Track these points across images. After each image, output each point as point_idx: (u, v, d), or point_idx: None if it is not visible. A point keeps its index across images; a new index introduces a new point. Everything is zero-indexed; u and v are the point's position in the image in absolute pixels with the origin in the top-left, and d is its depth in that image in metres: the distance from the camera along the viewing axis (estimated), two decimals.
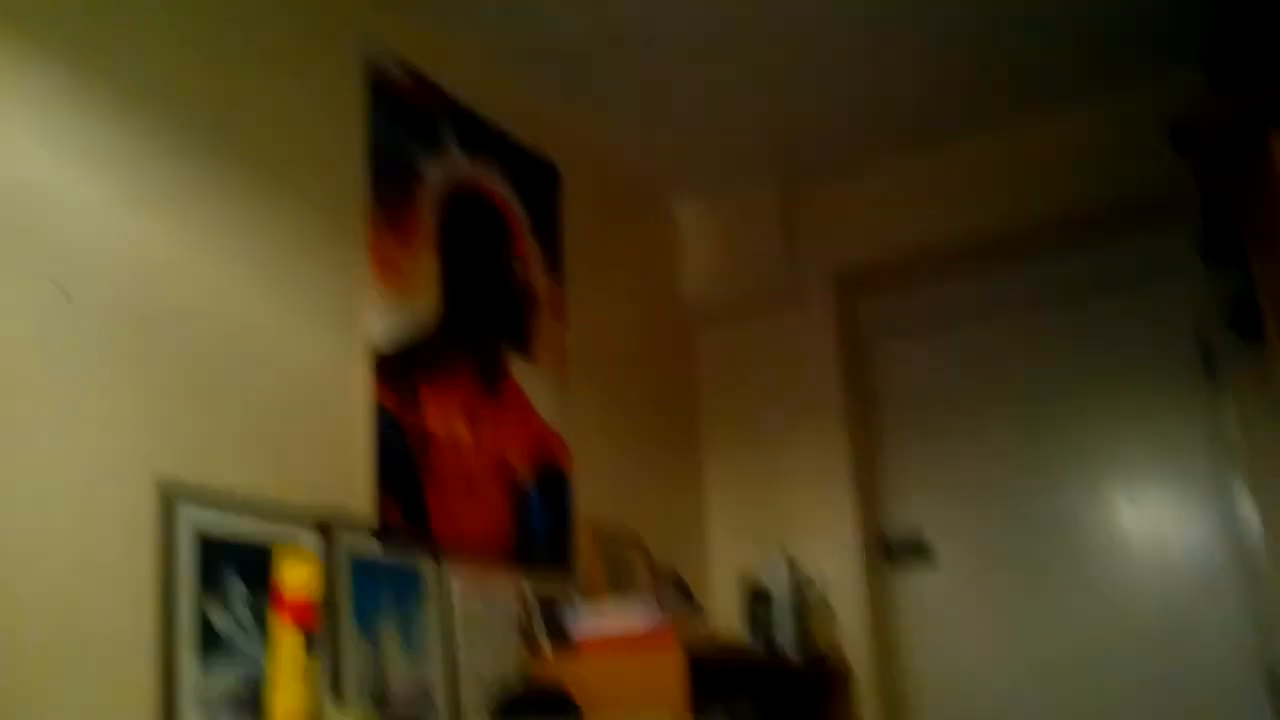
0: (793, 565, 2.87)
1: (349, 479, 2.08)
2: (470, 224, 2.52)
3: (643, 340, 3.18)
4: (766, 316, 3.32)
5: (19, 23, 1.66)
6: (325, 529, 1.97)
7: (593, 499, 2.73)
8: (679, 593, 2.90)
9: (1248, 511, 2.77)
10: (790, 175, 3.30)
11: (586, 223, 2.95)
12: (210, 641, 1.71)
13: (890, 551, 3.20)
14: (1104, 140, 2.92)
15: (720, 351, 3.40)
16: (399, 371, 2.22)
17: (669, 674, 2.21)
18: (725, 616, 3.06)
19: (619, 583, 2.67)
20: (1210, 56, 2.39)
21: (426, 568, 2.18)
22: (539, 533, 2.51)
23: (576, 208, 2.90)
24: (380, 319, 2.20)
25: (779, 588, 2.84)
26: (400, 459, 2.17)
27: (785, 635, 2.80)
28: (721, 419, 3.35)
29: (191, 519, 1.74)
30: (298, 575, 1.63)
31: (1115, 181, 2.90)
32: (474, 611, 2.26)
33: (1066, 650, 2.91)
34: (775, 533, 3.11)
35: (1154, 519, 2.90)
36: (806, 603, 2.89)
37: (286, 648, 1.60)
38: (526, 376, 2.58)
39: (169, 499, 1.71)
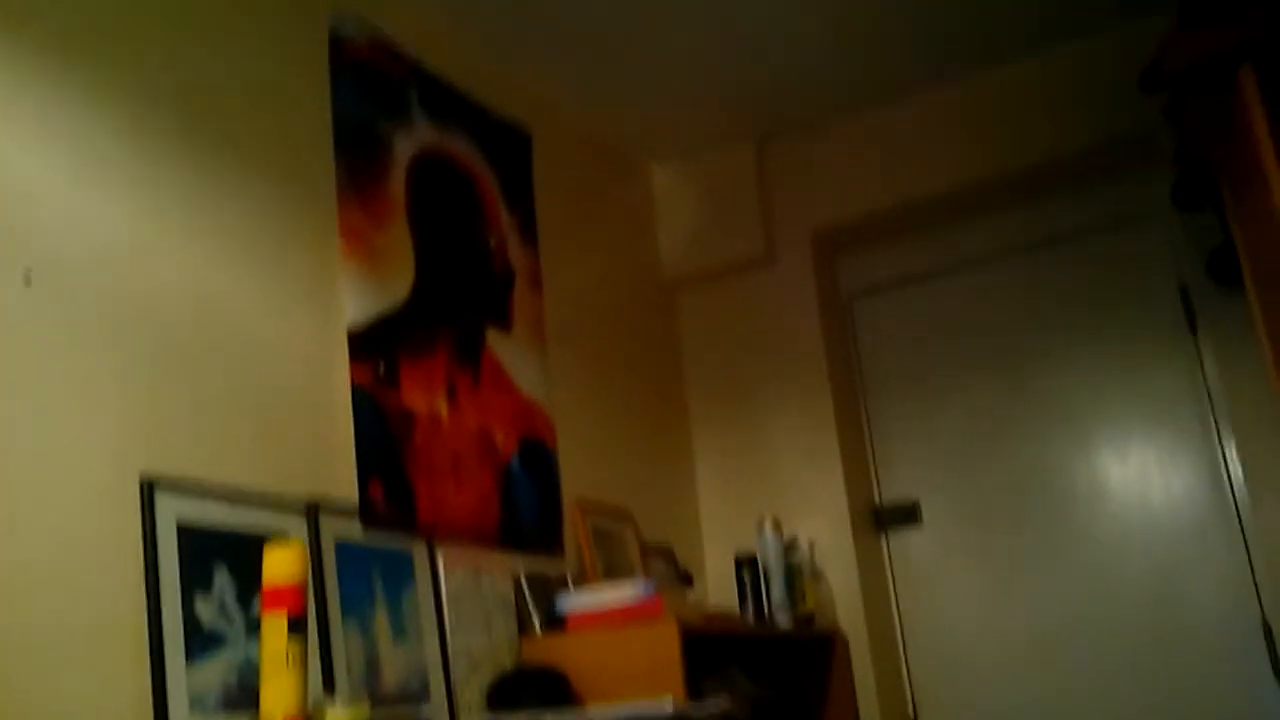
0: (781, 531, 2.83)
1: (331, 462, 2.00)
2: (441, 194, 2.43)
3: (623, 307, 3.12)
4: (747, 279, 3.26)
5: None
6: (309, 515, 1.89)
7: (579, 473, 2.66)
8: (670, 567, 2.86)
9: (1233, 461, 2.77)
10: (764, 133, 3.25)
11: (561, 189, 2.87)
12: (198, 633, 1.63)
13: (880, 519, 3.17)
14: (1076, 87, 2.90)
15: (702, 316, 3.34)
16: (374, 349, 2.13)
17: (663, 649, 2.16)
18: (719, 589, 3.01)
19: (609, 559, 2.62)
20: None
21: (414, 551, 2.11)
22: (526, 510, 2.44)
23: (550, 174, 2.81)
24: (353, 295, 2.12)
25: (768, 555, 2.80)
26: (381, 440, 2.10)
27: (776, 603, 2.76)
28: (706, 386, 3.29)
29: (173, 509, 1.66)
30: (282, 561, 1.57)
31: (1089, 129, 2.88)
32: (464, 593, 2.20)
33: (1056, 605, 2.90)
34: (765, 501, 3.05)
35: (1139, 470, 2.89)
36: (796, 569, 2.85)
37: (274, 637, 1.54)
38: (505, 349, 2.51)
39: (149, 490, 1.63)
